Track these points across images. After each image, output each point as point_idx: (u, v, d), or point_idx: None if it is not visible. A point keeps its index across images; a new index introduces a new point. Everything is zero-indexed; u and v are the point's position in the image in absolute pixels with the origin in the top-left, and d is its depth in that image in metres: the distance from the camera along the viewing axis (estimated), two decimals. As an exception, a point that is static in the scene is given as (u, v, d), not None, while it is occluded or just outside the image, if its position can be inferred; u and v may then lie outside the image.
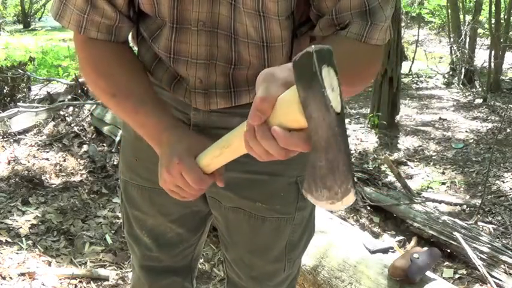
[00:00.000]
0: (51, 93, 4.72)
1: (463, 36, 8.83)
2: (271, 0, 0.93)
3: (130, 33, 1.12)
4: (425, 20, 12.89)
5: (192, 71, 1.03)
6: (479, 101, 7.53)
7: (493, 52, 8.14)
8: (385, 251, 2.18)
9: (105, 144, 3.81)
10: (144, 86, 1.03)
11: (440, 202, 3.84)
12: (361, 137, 5.23)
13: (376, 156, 4.78)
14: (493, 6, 8.34)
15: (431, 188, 4.24)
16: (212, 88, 1.04)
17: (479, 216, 3.55)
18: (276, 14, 0.95)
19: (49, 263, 2.45)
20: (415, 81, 9.38)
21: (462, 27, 9.26)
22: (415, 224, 3.20)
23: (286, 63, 0.74)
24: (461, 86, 8.46)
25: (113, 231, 2.80)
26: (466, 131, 5.91)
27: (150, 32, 1.05)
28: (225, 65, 1.02)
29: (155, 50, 1.06)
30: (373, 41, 0.95)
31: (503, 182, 4.30)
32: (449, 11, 9.78)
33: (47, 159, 3.57)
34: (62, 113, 4.14)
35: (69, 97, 4.60)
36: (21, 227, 2.71)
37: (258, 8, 0.95)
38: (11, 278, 2.28)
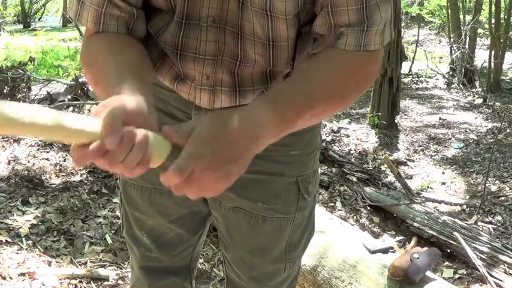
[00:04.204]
0: (51, 93, 4.72)
1: (463, 36, 8.83)
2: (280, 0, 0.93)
3: None
4: (425, 20, 12.89)
5: (200, 67, 1.02)
6: (479, 101, 7.53)
7: (493, 52, 8.15)
8: (385, 251, 2.18)
9: (105, 144, 3.80)
10: (131, 74, 0.88)
11: (440, 202, 3.84)
12: (361, 137, 5.22)
13: (376, 156, 4.78)
14: (493, 6, 8.35)
15: (431, 188, 4.25)
16: (218, 85, 1.04)
17: (479, 216, 3.55)
18: (284, 14, 0.95)
19: (49, 263, 2.45)
20: (415, 81, 9.38)
21: (462, 27, 9.26)
22: (415, 224, 3.20)
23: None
24: (461, 86, 8.46)
25: (113, 231, 2.80)
26: (466, 131, 5.91)
27: (156, 29, 1.05)
28: (231, 61, 1.02)
29: (161, 46, 1.05)
30: (371, 47, 0.95)
31: (503, 182, 4.30)
32: (449, 11, 9.79)
33: (47, 159, 3.57)
34: (62, 113, 4.13)
35: (69, 97, 4.59)
36: (21, 227, 2.71)
37: (266, 8, 0.94)
38: (11, 278, 2.27)
